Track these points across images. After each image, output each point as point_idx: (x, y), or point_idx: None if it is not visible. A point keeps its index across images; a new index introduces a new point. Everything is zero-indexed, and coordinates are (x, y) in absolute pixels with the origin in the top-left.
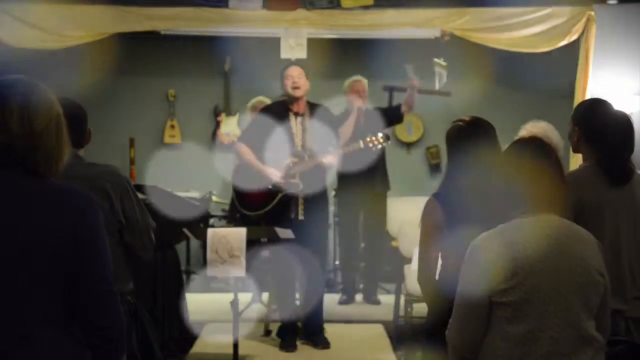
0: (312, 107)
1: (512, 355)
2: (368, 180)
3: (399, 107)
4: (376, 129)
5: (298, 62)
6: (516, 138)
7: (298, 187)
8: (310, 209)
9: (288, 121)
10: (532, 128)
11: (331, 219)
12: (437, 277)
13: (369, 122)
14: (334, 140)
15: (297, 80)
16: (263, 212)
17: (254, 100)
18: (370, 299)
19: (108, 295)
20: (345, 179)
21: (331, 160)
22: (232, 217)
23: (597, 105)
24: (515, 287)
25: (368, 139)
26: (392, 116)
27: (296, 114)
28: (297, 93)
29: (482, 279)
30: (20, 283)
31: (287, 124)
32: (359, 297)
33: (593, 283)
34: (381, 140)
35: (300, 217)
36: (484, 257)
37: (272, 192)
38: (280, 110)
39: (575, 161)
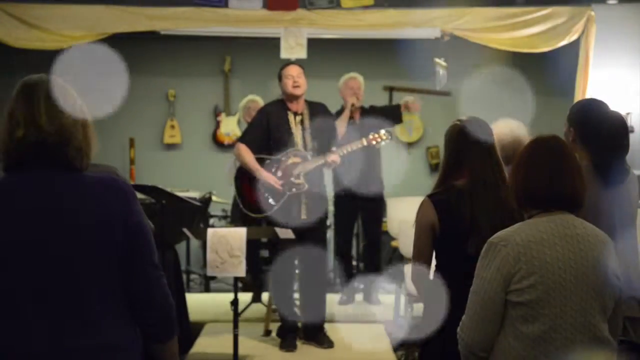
0: (311, 105)
1: (525, 355)
2: (364, 179)
3: (398, 106)
4: (372, 127)
5: (296, 62)
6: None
7: (303, 187)
8: (313, 208)
9: (287, 120)
10: (496, 128)
11: (330, 219)
12: (431, 276)
13: (365, 121)
14: (334, 139)
15: (298, 80)
16: (268, 214)
17: (245, 100)
18: (371, 299)
19: (158, 277)
20: (342, 178)
21: (335, 159)
22: (234, 218)
23: (592, 106)
24: (532, 287)
25: (371, 137)
26: (390, 116)
27: (295, 113)
28: (298, 92)
29: (498, 277)
30: (80, 273)
31: (287, 123)
32: (359, 297)
33: (609, 285)
34: (384, 137)
35: (304, 216)
36: (501, 256)
37: (276, 194)
38: (279, 109)
39: None
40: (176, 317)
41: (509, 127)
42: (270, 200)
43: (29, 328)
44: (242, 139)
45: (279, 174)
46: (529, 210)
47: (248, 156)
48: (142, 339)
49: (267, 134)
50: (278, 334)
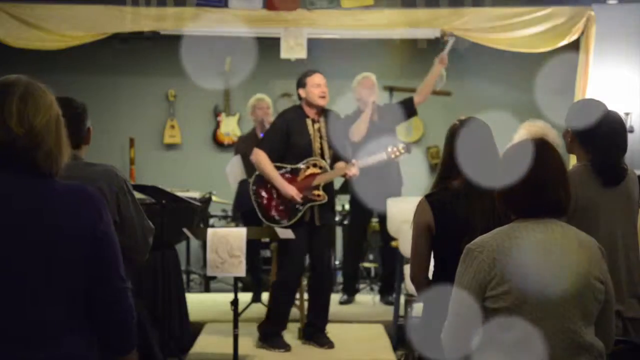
0: (325, 113)
1: None
2: (382, 182)
3: (411, 99)
4: (390, 124)
5: (318, 69)
6: (516, 137)
7: (323, 199)
8: (325, 213)
9: (307, 128)
10: (531, 127)
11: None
12: (430, 276)
13: (383, 118)
14: (347, 147)
15: (325, 90)
16: (290, 224)
17: (252, 99)
18: (386, 300)
19: (123, 291)
20: (360, 181)
21: (355, 172)
22: (234, 217)
23: (590, 106)
24: (507, 294)
25: (390, 150)
26: (405, 109)
27: (313, 121)
28: (324, 103)
29: (474, 284)
30: (39, 282)
31: (307, 131)
32: (359, 297)
33: (591, 290)
34: (402, 151)
35: (317, 223)
36: (477, 262)
37: (294, 203)
38: (299, 116)
39: (574, 161)
40: (136, 330)
41: (539, 127)
42: (290, 212)
43: None
44: (262, 145)
45: (298, 184)
46: (511, 214)
47: (269, 165)
48: (100, 351)
49: (287, 141)
50: (264, 333)
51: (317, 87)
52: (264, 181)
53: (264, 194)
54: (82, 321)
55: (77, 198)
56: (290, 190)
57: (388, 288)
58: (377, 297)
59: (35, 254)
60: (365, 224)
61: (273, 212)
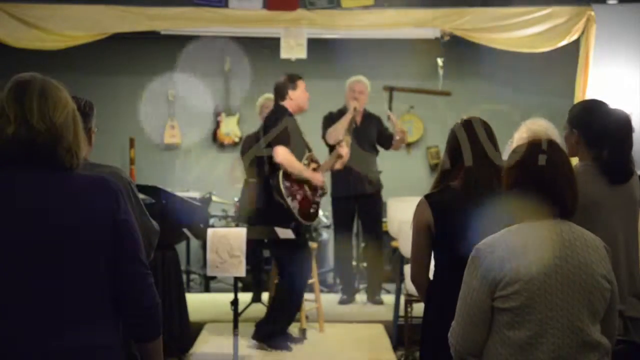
0: None
1: None
2: (359, 180)
3: (391, 137)
4: (371, 134)
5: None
6: (516, 136)
7: (327, 190)
8: None
9: (297, 127)
10: (532, 125)
11: (330, 220)
12: (431, 276)
13: (366, 126)
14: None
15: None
16: (316, 219)
17: (261, 98)
18: (374, 299)
19: (145, 276)
20: (337, 180)
21: (346, 150)
22: (239, 218)
23: (596, 107)
24: (517, 293)
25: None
26: (383, 140)
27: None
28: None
29: (484, 284)
30: (64, 271)
31: (298, 129)
32: (359, 297)
33: (598, 289)
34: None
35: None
36: (486, 262)
37: (314, 198)
38: (290, 115)
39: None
40: (161, 317)
41: (541, 125)
42: (311, 206)
43: (13, 328)
44: (282, 142)
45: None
46: (518, 215)
47: (297, 162)
48: (126, 338)
49: (294, 138)
50: (266, 337)
51: (305, 92)
52: (293, 179)
53: (298, 192)
54: (108, 310)
55: (97, 189)
56: (321, 177)
57: (374, 287)
58: (380, 297)
59: (57, 246)
60: (350, 222)
61: (310, 210)
